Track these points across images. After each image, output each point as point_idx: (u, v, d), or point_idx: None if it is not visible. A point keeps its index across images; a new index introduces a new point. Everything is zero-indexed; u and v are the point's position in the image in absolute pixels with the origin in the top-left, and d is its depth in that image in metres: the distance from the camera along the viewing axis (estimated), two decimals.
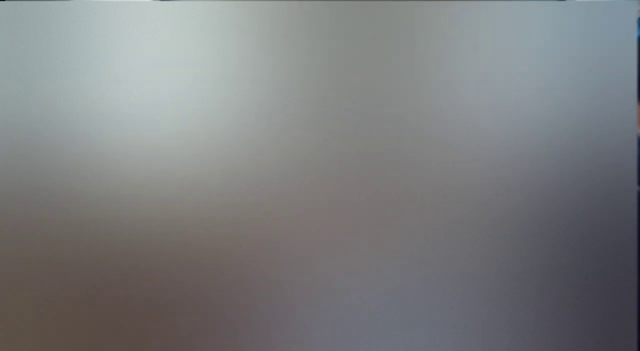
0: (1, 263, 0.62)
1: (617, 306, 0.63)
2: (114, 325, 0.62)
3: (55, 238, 0.62)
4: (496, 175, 0.63)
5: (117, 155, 0.63)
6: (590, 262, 0.63)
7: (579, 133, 0.63)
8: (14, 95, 0.63)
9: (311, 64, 0.63)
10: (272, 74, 0.63)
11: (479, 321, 0.63)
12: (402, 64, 0.63)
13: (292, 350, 0.62)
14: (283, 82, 0.63)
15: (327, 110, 0.63)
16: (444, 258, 0.63)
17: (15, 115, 0.62)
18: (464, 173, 0.63)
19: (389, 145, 0.63)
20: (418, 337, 0.62)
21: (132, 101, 0.63)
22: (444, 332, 0.63)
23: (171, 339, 0.62)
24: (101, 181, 0.62)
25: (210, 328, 0.62)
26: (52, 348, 0.63)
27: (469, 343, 0.63)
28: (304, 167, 0.63)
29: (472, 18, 0.63)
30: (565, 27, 0.63)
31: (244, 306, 0.62)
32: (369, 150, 0.63)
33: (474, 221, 0.63)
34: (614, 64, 0.63)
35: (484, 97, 0.63)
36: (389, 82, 0.63)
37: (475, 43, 0.63)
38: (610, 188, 0.63)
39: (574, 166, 0.63)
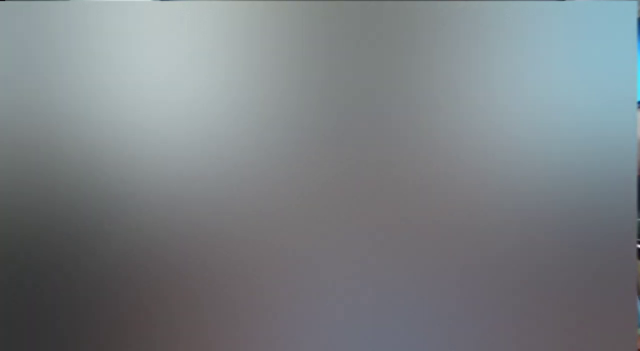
0: (6, 262, 0.62)
1: (617, 306, 0.63)
2: (119, 323, 0.62)
3: (58, 238, 0.62)
4: (495, 175, 0.63)
5: (117, 152, 0.63)
6: (590, 262, 0.63)
7: (578, 133, 0.63)
8: (14, 94, 0.63)
9: (312, 64, 0.63)
10: (273, 73, 0.63)
11: (479, 320, 0.63)
12: (402, 65, 0.63)
13: (295, 346, 0.62)
14: (283, 82, 0.63)
15: (328, 111, 0.63)
16: (446, 258, 0.63)
17: (15, 114, 0.62)
18: (463, 173, 0.63)
19: (391, 146, 0.63)
20: (418, 336, 0.63)
21: (132, 100, 0.63)
22: (446, 331, 0.63)
23: (174, 336, 0.63)
24: (101, 180, 0.62)
25: (209, 325, 0.62)
26: (54, 346, 0.63)
27: (469, 342, 0.63)
28: (304, 168, 0.63)
29: (472, 18, 0.63)
30: (565, 27, 0.63)
31: (246, 305, 0.62)
32: (371, 151, 0.63)
33: (474, 221, 0.63)
34: (614, 64, 0.63)
35: (483, 97, 0.63)
36: (390, 83, 0.63)
37: (475, 43, 0.63)
38: (610, 187, 0.63)
39: (574, 165, 0.63)
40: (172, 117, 0.63)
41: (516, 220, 0.63)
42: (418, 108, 0.63)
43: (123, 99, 0.63)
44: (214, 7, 0.63)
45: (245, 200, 0.63)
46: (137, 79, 0.63)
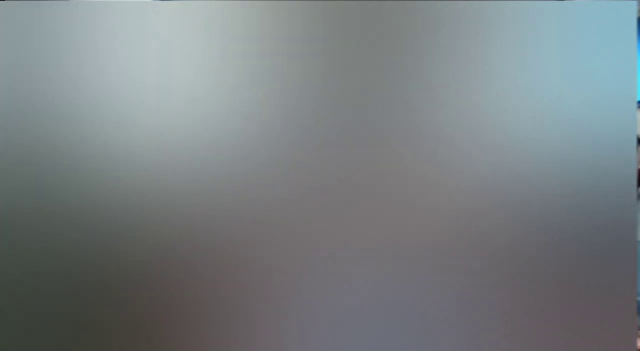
0: (8, 259, 0.62)
1: (617, 306, 0.63)
2: (122, 324, 0.62)
3: (61, 237, 0.62)
4: (495, 174, 0.63)
5: (117, 153, 0.63)
6: (591, 262, 0.63)
7: (578, 133, 0.63)
8: (14, 94, 0.63)
9: (312, 64, 0.63)
10: (272, 73, 0.63)
11: (479, 320, 0.63)
12: (402, 65, 0.63)
13: (293, 346, 0.62)
14: (284, 82, 0.63)
15: (328, 111, 0.63)
16: (446, 258, 0.63)
17: (15, 114, 0.62)
18: (463, 173, 0.63)
19: (391, 146, 0.63)
20: (419, 336, 0.63)
21: (132, 100, 0.63)
22: (446, 332, 0.63)
23: (174, 335, 0.63)
24: (101, 180, 0.62)
25: (210, 325, 0.63)
26: (57, 346, 0.63)
27: (470, 342, 0.63)
28: (303, 168, 0.63)
29: (472, 18, 0.63)
30: (565, 27, 0.63)
31: (247, 304, 0.62)
32: (371, 151, 0.63)
33: (474, 221, 0.63)
34: (614, 64, 0.63)
35: (483, 97, 0.63)
36: (390, 83, 0.63)
37: (475, 43, 0.63)
38: (610, 187, 0.63)
39: (574, 165, 0.63)
40: (171, 117, 0.63)
41: (516, 220, 0.63)
42: (418, 108, 0.63)
43: (122, 99, 0.63)
44: (214, 7, 0.63)
45: (244, 199, 0.63)
46: (136, 79, 0.63)
